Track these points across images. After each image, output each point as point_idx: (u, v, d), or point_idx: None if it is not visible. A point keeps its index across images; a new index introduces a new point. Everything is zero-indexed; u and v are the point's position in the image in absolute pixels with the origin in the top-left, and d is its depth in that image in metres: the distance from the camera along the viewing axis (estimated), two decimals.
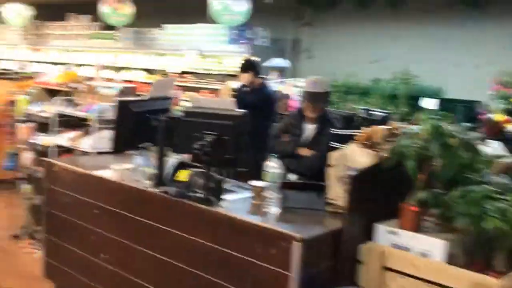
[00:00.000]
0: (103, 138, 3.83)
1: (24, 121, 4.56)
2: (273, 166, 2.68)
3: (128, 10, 10.70)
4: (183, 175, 2.70)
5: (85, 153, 3.88)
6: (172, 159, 2.78)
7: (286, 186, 2.57)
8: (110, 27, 11.60)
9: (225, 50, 9.19)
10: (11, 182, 4.84)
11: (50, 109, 4.22)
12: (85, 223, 3.13)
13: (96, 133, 3.81)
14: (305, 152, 3.32)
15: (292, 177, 3.18)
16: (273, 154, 2.86)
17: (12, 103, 4.70)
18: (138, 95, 4.63)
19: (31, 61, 14.73)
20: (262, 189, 2.56)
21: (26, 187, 4.59)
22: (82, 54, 13.36)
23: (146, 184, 2.78)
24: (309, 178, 3.13)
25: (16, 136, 4.69)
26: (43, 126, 4.28)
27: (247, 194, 2.73)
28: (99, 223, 3.02)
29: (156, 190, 2.70)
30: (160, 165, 2.71)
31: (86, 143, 3.83)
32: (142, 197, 2.77)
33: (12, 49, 15.76)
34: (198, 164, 2.69)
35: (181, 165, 2.78)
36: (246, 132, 2.55)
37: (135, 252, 2.80)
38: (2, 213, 5.21)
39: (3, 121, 4.88)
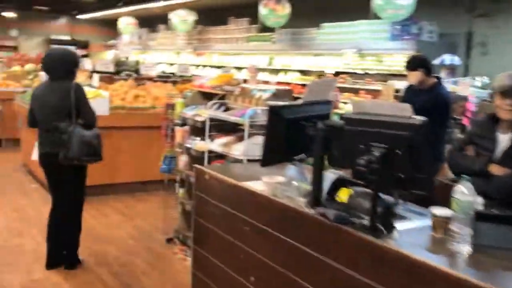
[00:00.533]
0: (255, 145, 3.55)
1: (180, 124, 4.51)
2: (463, 191, 2.10)
3: (286, 10, 10.56)
4: (343, 195, 2.26)
5: (237, 160, 3.64)
6: (331, 174, 2.36)
7: (480, 217, 1.97)
8: (268, 29, 11.62)
9: (386, 47, 8.50)
10: (168, 183, 4.86)
11: (203, 113, 4.08)
12: (234, 239, 2.85)
13: (249, 139, 3.53)
14: (497, 170, 2.65)
15: (478, 200, 2.53)
16: (457, 173, 2.28)
17: (171, 106, 4.68)
18: (295, 98, 4.29)
19: (196, 65, 15.57)
20: (447, 220, 2.01)
21: (180, 191, 4.54)
22: (240, 57, 13.67)
23: (300, 202, 2.39)
24: (500, 203, 2.48)
25: (174, 139, 4.67)
26: (198, 130, 4.15)
27: (424, 221, 2.19)
28: (249, 241, 2.72)
29: (311, 211, 2.29)
30: (317, 181, 2.30)
31: (238, 150, 3.59)
32: (295, 217, 2.39)
33: (178, 54, 16.85)
34: (361, 182, 2.23)
35: (341, 182, 2.34)
36: (426, 145, 2.01)
37: (287, 280, 2.43)
38: (158, 214, 5.31)
39: (162, 123, 4.90)
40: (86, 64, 8.07)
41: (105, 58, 20.29)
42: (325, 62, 10.54)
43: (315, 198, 2.30)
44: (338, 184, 2.34)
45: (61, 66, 3.88)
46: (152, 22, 17.38)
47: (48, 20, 20.24)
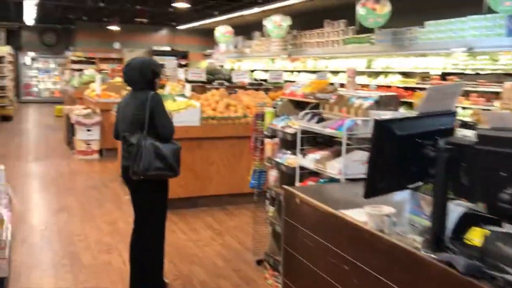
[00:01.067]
0: (354, 162, 3.05)
1: (270, 136, 4.11)
2: None
3: (385, 9, 9.85)
4: (475, 236, 1.71)
5: (333, 179, 3.16)
6: (457, 207, 1.81)
7: None
8: (366, 30, 10.97)
9: (501, 44, 7.54)
10: (259, 197, 4.48)
11: (295, 124, 3.65)
12: (331, 279, 2.38)
13: (347, 155, 3.04)
14: None
15: None
16: None
17: (260, 116, 4.31)
18: (401, 103, 3.70)
19: (291, 71, 15.25)
20: None
21: (270, 209, 4.14)
22: (336, 61, 13.10)
23: (414, 242, 1.87)
24: None
25: (263, 152, 4.29)
26: (288, 143, 3.72)
27: None
28: (348, 284, 2.24)
29: (431, 256, 1.76)
30: (439, 216, 1.77)
31: (334, 167, 3.11)
32: (408, 261, 1.87)
33: (272, 60, 16.62)
34: (499, 219, 1.68)
35: (471, 218, 1.79)
36: None
37: None
38: (249, 231, 4.96)
39: (251, 134, 4.54)
40: (180, 73, 7.98)
41: (199, 67, 20.78)
42: (430, 62, 9.69)
43: (436, 239, 1.77)
44: (467, 220, 1.79)
45: (140, 76, 3.69)
46: (248, 29, 17.35)
47: (150, 32, 21.03)
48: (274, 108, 4.26)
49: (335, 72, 13.09)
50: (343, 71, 12.78)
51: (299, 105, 3.99)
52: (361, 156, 3.08)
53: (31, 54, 22.14)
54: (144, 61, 3.83)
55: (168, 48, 21.24)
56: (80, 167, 8.52)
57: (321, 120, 3.40)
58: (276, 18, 13.39)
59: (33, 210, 6.11)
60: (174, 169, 3.63)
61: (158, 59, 20.51)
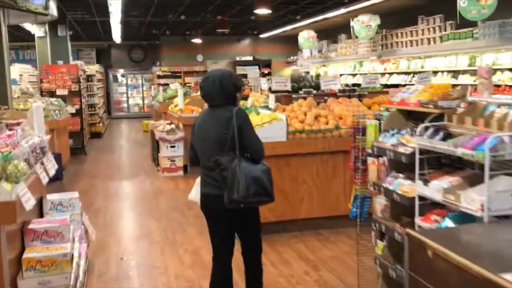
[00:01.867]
0: (501, 193, 2.24)
1: (375, 156, 3.37)
2: None
3: None
4: None
5: (469, 217, 2.36)
6: None
7: None
8: (466, 24, 9.79)
9: None
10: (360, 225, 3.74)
11: (410, 141, 2.88)
12: None
13: (490, 183, 2.24)
14: None
15: None
16: None
17: (360, 130, 3.58)
18: None
19: (381, 73, 14.24)
20: None
21: (378, 244, 3.38)
22: (433, 60, 11.94)
23: None
24: None
25: (366, 174, 3.55)
26: (401, 165, 2.97)
27: None
28: None
29: None
30: None
31: (473, 200, 2.31)
32: None
33: (360, 63, 15.67)
34: None
35: None
36: None
37: None
38: (348, 263, 4.24)
39: (349, 152, 3.82)
40: (263, 83, 7.42)
41: (282, 75, 20.22)
42: None
43: None
44: None
45: (220, 90, 3.25)
46: (332, 33, 16.55)
47: (232, 43, 20.85)
48: (378, 120, 3.50)
49: (433, 72, 11.94)
50: (442, 71, 11.62)
51: (412, 116, 3.21)
52: (510, 185, 2.26)
53: (121, 71, 22.84)
54: (223, 73, 3.36)
55: (250, 58, 20.94)
56: (164, 185, 8.20)
57: (447, 136, 2.61)
58: (364, 18, 12.50)
59: (114, 236, 5.78)
60: (269, 194, 3.21)
61: (241, 68, 20.36)
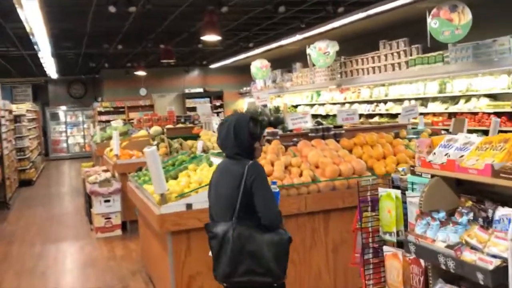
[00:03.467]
0: None
1: (396, 243, 2.07)
2: None
3: (466, 18, 7.80)
4: None
5: None
6: None
7: None
8: (434, 48, 8.92)
9: None
10: None
11: (482, 239, 1.60)
12: None
13: None
14: None
15: None
16: None
17: (372, 203, 2.29)
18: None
19: (341, 103, 13.25)
20: None
21: None
22: (398, 87, 11.01)
23: None
24: None
25: (385, 272, 2.25)
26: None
27: None
28: None
29: None
30: None
31: None
32: None
33: (317, 93, 14.68)
34: None
35: None
36: None
37: None
38: None
39: (353, 231, 2.53)
40: (216, 123, 6.08)
41: (241, 107, 18.99)
42: None
43: None
44: None
45: (234, 139, 2.86)
46: (287, 61, 15.56)
47: (179, 74, 19.51)
48: (398, 187, 2.22)
49: (398, 101, 11.02)
50: (409, 99, 10.71)
51: (461, 187, 1.94)
52: None
53: (59, 108, 20.99)
54: (239, 118, 2.94)
55: (200, 90, 19.64)
56: (97, 252, 6.63)
57: None
58: (321, 44, 11.52)
59: None
60: (273, 273, 2.65)
61: (191, 101, 18.96)
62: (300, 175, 4.25)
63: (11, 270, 6.01)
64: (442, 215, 1.94)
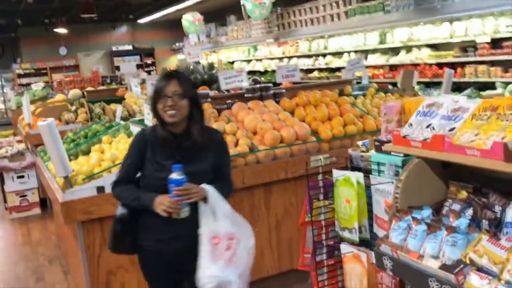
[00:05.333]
0: None
1: (357, 243, 1.52)
2: None
3: None
4: None
5: None
6: None
7: None
8: None
9: None
10: None
11: (496, 256, 1.06)
12: None
13: None
14: None
15: None
16: None
17: (325, 188, 1.72)
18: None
19: (279, 58, 12.65)
20: None
21: None
22: (338, 39, 10.52)
23: None
24: None
25: (340, 275, 1.71)
26: None
27: None
28: None
29: None
30: None
31: None
32: None
33: (255, 48, 13.99)
34: None
35: None
36: None
37: None
38: None
39: (301, 225, 1.97)
40: (135, 85, 5.30)
41: (174, 65, 17.92)
42: (472, 27, 7.23)
43: None
44: None
45: None
46: (221, 14, 14.65)
47: (106, 31, 18.09)
48: (360, 169, 1.66)
49: (337, 54, 10.55)
50: (349, 51, 10.25)
51: (449, 170, 1.40)
52: None
53: None
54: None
55: (130, 47, 18.35)
56: (10, 236, 5.83)
57: None
58: None
59: None
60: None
61: (120, 59, 17.64)
62: (236, 144, 3.64)
63: None
64: (427, 213, 1.41)
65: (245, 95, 4.36)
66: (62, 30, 14.90)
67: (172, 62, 18.61)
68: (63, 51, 17.48)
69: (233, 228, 2.28)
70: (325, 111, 4.04)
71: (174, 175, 2.28)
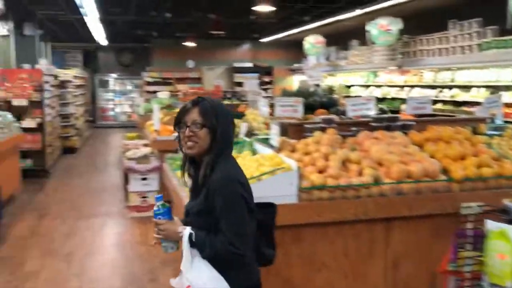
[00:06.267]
0: None
1: None
2: None
3: None
4: None
5: None
6: None
7: None
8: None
9: None
10: None
11: None
12: None
13: None
14: None
15: None
16: None
17: (476, 239, 1.60)
18: None
19: (400, 86, 12.29)
20: None
21: None
22: (467, 72, 9.97)
23: None
24: None
25: None
26: None
27: None
28: None
29: None
30: None
31: None
32: None
33: (375, 74, 13.72)
34: None
35: None
36: None
37: None
38: None
39: (440, 270, 1.84)
40: (263, 104, 5.39)
41: (291, 84, 18.17)
42: None
43: None
44: None
45: None
46: (342, 38, 14.64)
47: (229, 47, 18.88)
48: None
49: (465, 87, 9.99)
50: (478, 86, 9.66)
51: None
52: None
53: (108, 75, 20.91)
54: None
55: (250, 64, 18.94)
56: (128, 234, 6.20)
57: None
58: (383, 21, 10.56)
59: None
60: None
61: (239, 76, 18.28)
62: (360, 174, 3.55)
63: (36, 249, 5.66)
64: None
65: (371, 124, 4.26)
66: (190, 44, 15.77)
67: (289, 82, 18.89)
68: (190, 64, 18.53)
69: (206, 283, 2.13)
70: (458, 149, 3.81)
71: (155, 206, 2.23)
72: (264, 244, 2.47)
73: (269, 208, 2.50)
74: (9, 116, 7.85)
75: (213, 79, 16.37)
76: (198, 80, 18.44)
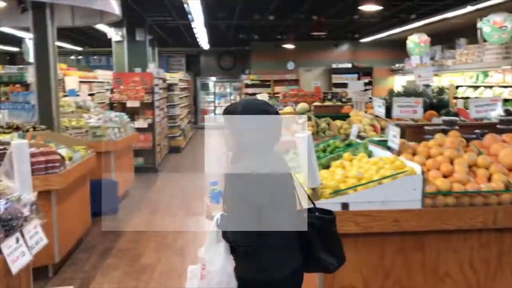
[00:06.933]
0: None
1: None
2: None
3: None
4: None
5: None
6: None
7: None
8: None
9: None
10: None
11: None
12: None
13: None
14: None
15: None
16: None
17: None
18: None
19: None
20: None
21: None
22: None
23: None
24: None
25: None
26: None
27: None
28: None
29: None
30: None
31: None
32: None
33: (485, 74, 12.91)
34: None
35: None
36: None
37: None
38: None
39: None
40: (379, 106, 5.23)
41: (391, 85, 17.62)
42: None
43: None
44: None
45: None
46: (448, 37, 13.94)
47: (327, 48, 18.72)
48: None
49: None
50: None
51: None
52: None
53: (209, 79, 21.67)
54: None
55: (349, 65, 18.65)
56: None
57: None
58: (497, 17, 9.89)
59: None
60: None
61: (337, 77, 17.97)
62: (489, 179, 3.34)
63: (151, 243, 5.97)
64: None
65: (497, 126, 3.99)
66: (289, 46, 15.87)
67: (390, 83, 18.34)
68: (291, 65, 18.67)
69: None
70: None
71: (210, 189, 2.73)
72: (322, 249, 2.49)
73: (327, 215, 2.55)
74: (125, 116, 8.38)
75: (311, 81, 16.32)
76: (295, 82, 18.49)
